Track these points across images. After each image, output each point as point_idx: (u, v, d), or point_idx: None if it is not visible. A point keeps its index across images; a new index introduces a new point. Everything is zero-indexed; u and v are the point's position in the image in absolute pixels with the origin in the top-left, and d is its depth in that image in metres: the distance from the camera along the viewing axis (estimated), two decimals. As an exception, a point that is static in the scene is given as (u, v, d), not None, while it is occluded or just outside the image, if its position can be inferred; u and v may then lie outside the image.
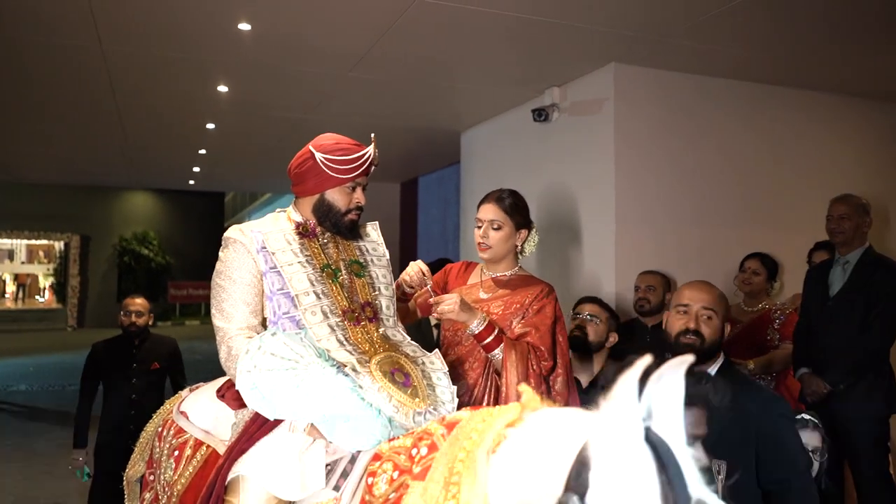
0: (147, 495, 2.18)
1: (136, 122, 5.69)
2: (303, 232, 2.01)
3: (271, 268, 1.93)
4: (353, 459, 1.78)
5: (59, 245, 17.15)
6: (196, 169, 8.40)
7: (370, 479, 1.41)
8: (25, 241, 22.55)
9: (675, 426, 0.80)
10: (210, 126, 5.78)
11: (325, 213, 2.02)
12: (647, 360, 0.82)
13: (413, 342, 2.00)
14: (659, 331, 3.73)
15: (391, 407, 1.71)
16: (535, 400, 1.12)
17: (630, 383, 0.78)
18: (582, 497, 0.82)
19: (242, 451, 1.83)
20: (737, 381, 2.10)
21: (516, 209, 2.32)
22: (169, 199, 16.60)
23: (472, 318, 2.17)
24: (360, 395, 1.73)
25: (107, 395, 3.67)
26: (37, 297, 24.50)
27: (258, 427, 1.85)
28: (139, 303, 3.70)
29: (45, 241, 18.55)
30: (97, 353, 3.73)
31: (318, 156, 1.99)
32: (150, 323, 3.74)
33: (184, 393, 2.31)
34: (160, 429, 2.22)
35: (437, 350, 1.98)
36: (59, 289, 16.71)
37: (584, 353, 2.89)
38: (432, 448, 1.25)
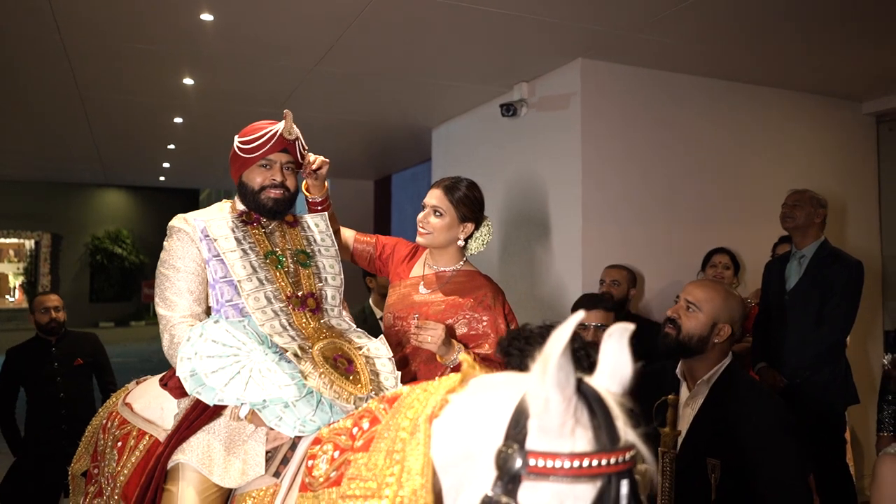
0: (91, 489, 2.16)
1: (102, 116, 5.60)
2: (246, 219, 2.00)
3: (214, 255, 1.92)
4: (293, 446, 1.78)
5: (29, 244, 16.84)
6: (166, 165, 8.29)
7: (310, 462, 1.40)
8: (8, 240, 22.13)
9: (612, 380, 0.89)
10: (178, 120, 5.70)
11: (245, 195, 2.02)
12: (578, 316, 0.87)
13: (359, 329, 2.00)
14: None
15: (332, 392, 1.70)
16: (474, 368, 1.14)
17: (561, 340, 0.82)
18: (521, 444, 0.87)
19: (182, 439, 1.82)
20: (738, 384, 2.12)
21: (464, 200, 2.28)
22: (142, 197, 16.39)
23: (449, 353, 2.15)
24: (300, 381, 1.71)
25: (31, 399, 3.62)
26: (7, 296, 24.03)
27: (198, 414, 1.84)
28: (54, 298, 3.67)
29: (14, 240, 18.21)
30: (13, 359, 3.66)
31: (235, 142, 2.01)
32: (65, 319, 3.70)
33: (130, 385, 2.29)
34: (105, 421, 2.20)
35: (382, 336, 1.97)
36: (30, 288, 16.41)
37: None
38: (374, 422, 1.25)
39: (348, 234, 2.50)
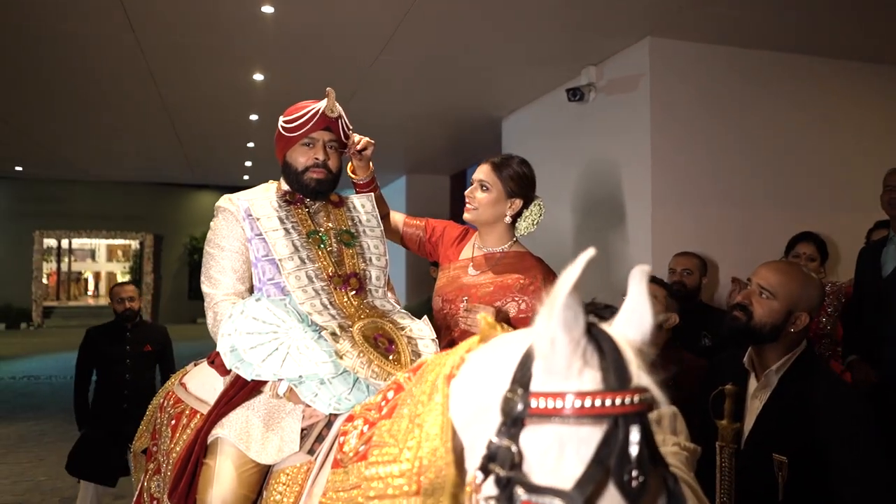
0: (150, 466, 2.22)
1: (183, 116, 5.85)
2: (290, 199, 1.99)
3: (256, 234, 1.91)
4: (329, 424, 1.75)
5: (134, 244, 17.97)
6: (248, 163, 8.59)
7: (341, 439, 1.37)
8: (105, 241, 23.87)
9: (630, 326, 0.83)
10: (253, 117, 5.88)
11: (289, 176, 2.01)
12: (589, 254, 0.79)
13: (403, 310, 1.96)
14: (693, 317, 3.55)
15: (370, 372, 1.67)
16: (494, 327, 1.10)
17: (570, 279, 0.77)
18: (526, 387, 0.82)
19: (222, 415, 1.83)
20: (812, 374, 1.95)
21: (513, 176, 2.19)
22: (234, 198, 17.08)
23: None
24: (335, 359, 1.69)
25: (100, 378, 3.86)
26: None
27: (237, 390, 1.85)
28: (129, 289, 3.94)
29: (121, 241, 19.54)
30: (92, 338, 3.93)
31: (279, 122, 2.00)
32: (140, 308, 3.95)
33: (189, 367, 2.34)
34: (162, 400, 2.26)
35: (425, 317, 1.92)
36: (136, 286, 17.49)
37: None
38: (398, 390, 1.23)
39: (398, 217, 2.46)
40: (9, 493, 3.83)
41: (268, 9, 3.51)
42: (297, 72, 4.65)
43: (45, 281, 19.52)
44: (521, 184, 2.20)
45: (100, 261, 28.20)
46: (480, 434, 0.94)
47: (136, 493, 2.24)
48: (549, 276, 2.22)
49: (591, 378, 0.78)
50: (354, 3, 3.50)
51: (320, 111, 1.96)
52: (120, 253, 26.91)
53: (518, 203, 2.21)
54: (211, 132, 6.46)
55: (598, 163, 4.42)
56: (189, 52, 4.28)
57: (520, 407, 0.81)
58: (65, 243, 23.22)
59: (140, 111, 5.77)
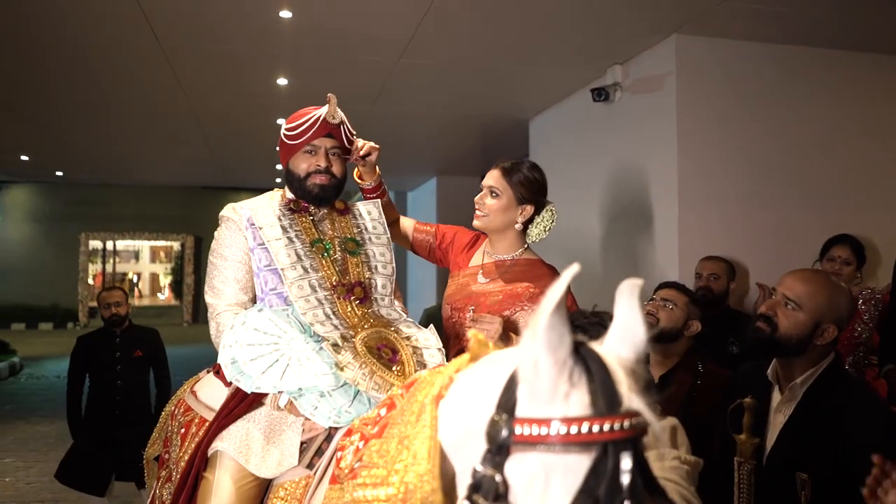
0: (163, 473, 2.22)
1: (212, 122, 5.94)
2: (294, 208, 1.97)
3: (259, 244, 1.90)
4: (329, 437, 1.73)
5: (176, 245, 18.37)
6: (278, 167, 8.68)
7: (339, 454, 1.36)
8: (148, 243, 24.48)
9: (623, 344, 0.78)
10: (280, 121, 5.91)
11: (293, 183, 1.99)
12: (573, 271, 0.77)
13: (409, 319, 1.92)
14: (720, 323, 3.43)
15: (372, 384, 1.64)
16: (483, 346, 1.07)
17: (553, 299, 0.73)
18: (511, 412, 0.79)
19: (222, 427, 1.82)
20: (840, 388, 1.86)
21: (523, 181, 2.13)
22: (269, 200, 17.37)
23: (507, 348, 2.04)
24: (336, 371, 1.66)
25: (93, 383, 3.86)
26: (158, 294, 26.53)
27: (237, 402, 1.83)
28: (116, 294, 3.91)
29: (164, 242, 20.03)
30: (82, 346, 3.93)
31: (282, 130, 1.99)
32: (128, 313, 3.93)
33: (202, 374, 2.34)
34: (173, 408, 2.26)
35: (432, 326, 1.88)
36: (177, 287, 17.89)
37: (656, 341, 2.51)
38: (390, 407, 1.20)
39: (408, 223, 2.42)
40: (47, 490, 3.91)
41: (286, 14, 3.51)
42: (319, 76, 4.66)
43: (90, 282, 20.13)
44: (531, 189, 2.14)
45: (143, 262, 28.89)
46: (469, 460, 0.90)
47: (149, 499, 2.24)
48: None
49: (579, 402, 0.74)
50: (369, 9, 3.49)
51: (321, 118, 1.94)
52: (163, 254, 27.57)
53: (529, 209, 2.16)
54: (239, 137, 6.54)
55: (624, 164, 4.32)
56: (213, 60, 4.33)
57: (504, 434, 0.78)
58: (109, 245, 23.90)
59: (170, 119, 5.87)
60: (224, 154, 7.52)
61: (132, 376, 3.82)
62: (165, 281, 25.55)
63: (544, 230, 2.22)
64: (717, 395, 2.15)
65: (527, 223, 2.19)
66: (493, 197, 2.13)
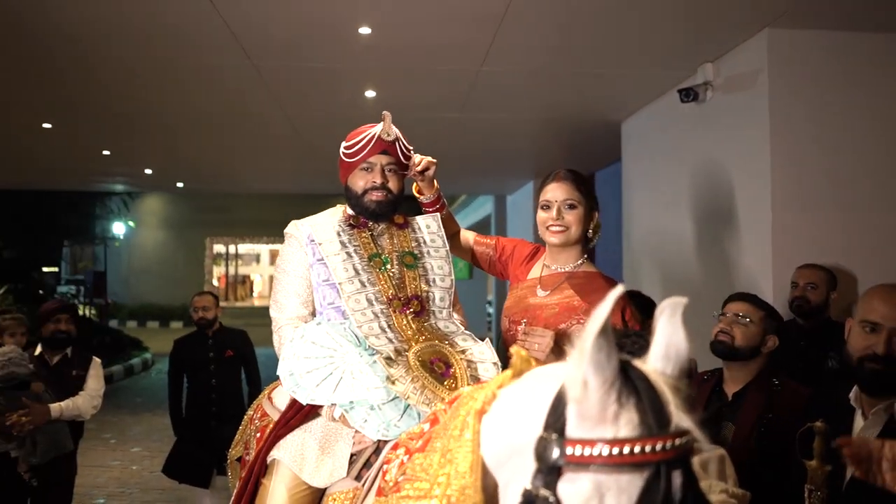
0: (244, 474, 2.36)
1: (309, 133, 6.20)
2: (353, 223, 2.03)
3: (318, 259, 1.98)
4: (378, 450, 1.77)
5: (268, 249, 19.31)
6: (377, 174, 8.92)
7: (385, 467, 1.40)
8: (267, 246, 25.94)
9: (666, 361, 0.81)
10: (371, 133, 6.11)
11: (351, 199, 2.06)
12: (618, 291, 0.79)
13: (467, 332, 1.94)
14: (818, 336, 3.19)
15: (423, 398, 1.67)
16: (526, 362, 1.11)
17: (600, 318, 0.76)
18: (560, 432, 0.81)
19: (279, 437, 1.90)
20: None
21: (590, 190, 2.13)
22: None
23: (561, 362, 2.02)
24: (388, 385, 1.70)
25: (191, 383, 4.13)
26: (253, 296, 28.21)
27: (294, 413, 1.91)
28: (205, 299, 4.16)
29: (257, 246, 21.20)
30: (178, 347, 4.21)
31: (341, 148, 2.06)
32: (216, 317, 4.17)
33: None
34: (252, 412, 2.40)
35: (487, 339, 1.89)
36: (269, 290, 18.84)
37: (732, 360, 2.34)
38: (434, 422, 1.25)
39: (468, 236, 2.43)
40: (167, 479, 4.20)
41: (365, 30, 3.63)
42: (404, 87, 4.76)
43: (215, 283, 21.59)
44: (594, 195, 2.14)
45: (263, 265, 30.61)
46: (514, 476, 0.93)
47: (232, 500, 2.38)
48: (621, 297, 2.10)
49: (628, 422, 0.76)
50: (444, 20, 3.53)
51: (377, 135, 2.01)
52: (256, 258, 29.29)
53: (596, 216, 2.14)
54: (336, 147, 6.76)
55: (714, 165, 4.12)
56: (304, 78, 4.55)
57: (555, 454, 0.80)
58: (232, 249, 25.54)
59: (272, 132, 6.21)
60: (327, 164, 7.83)
61: (225, 375, 4.07)
62: (260, 284, 27.16)
63: (598, 235, 2.19)
64: (794, 416, 2.01)
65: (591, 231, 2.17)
66: (570, 209, 2.08)
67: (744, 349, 2.31)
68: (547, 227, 2.10)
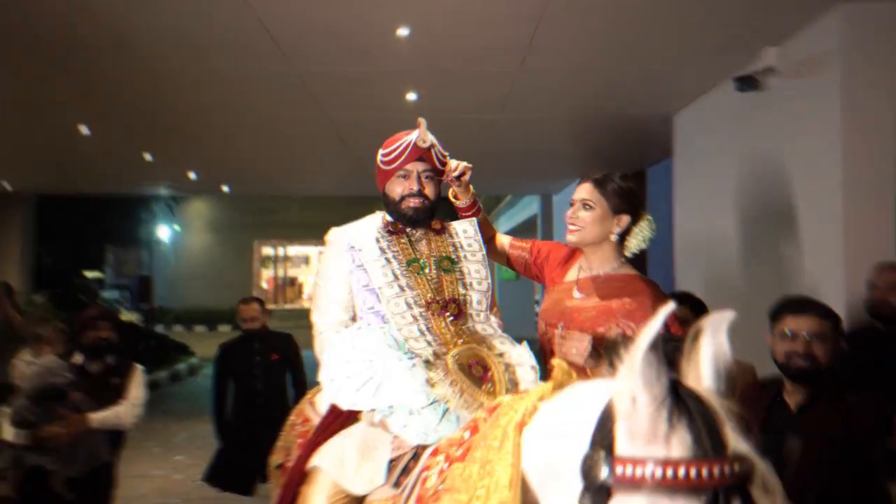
0: (284, 481, 2.33)
1: (353, 137, 6.19)
2: (392, 229, 2.07)
3: (358, 265, 2.03)
4: (416, 456, 1.76)
5: (316, 251, 19.48)
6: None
7: (425, 474, 1.41)
8: (316, 248, 26.23)
9: (716, 381, 0.78)
10: (413, 137, 6.07)
11: (389, 206, 2.09)
12: (668, 308, 0.76)
13: (505, 334, 1.97)
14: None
15: (462, 401, 1.70)
16: (567, 374, 1.11)
17: (649, 335, 0.74)
18: (609, 450, 0.79)
19: (319, 443, 1.92)
20: None
21: (617, 191, 2.06)
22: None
23: (599, 366, 1.93)
24: (427, 389, 1.73)
25: (237, 387, 4.11)
26: (302, 297, 28.50)
27: (333, 419, 1.93)
28: (251, 309, 4.17)
29: (304, 248, 21.36)
30: (224, 352, 4.20)
31: (378, 156, 2.09)
32: (267, 321, 4.17)
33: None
34: (294, 417, 2.38)
35: (525, 343, 1.91)
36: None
37: (817, 382, 2.09)
38: (474, 431, 1.25)
39: (504, 239, 2.44)
40: (210, 488, 4.19)
41: (403, 31, 3.59)
42: (446, 88, 4.70)
43: (264, 286, 21.93)
44: (626, 199, 2.08)
45: (312, 266, 30.95)
46: (557, 494, 0.90)
47: (273, 506, 2.34)
48: (661, 300, 1.96)
49: (681, 443, 0.74)
50: (482, 17, 3.47)
51: (412, 143, 2.03)
52: (304, 260, 29.52)
53: (625, 219, 2.08)
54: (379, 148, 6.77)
55: (775, 159, 3.91)
56: (345, 78, 4.53)
57: (604, 473, 0.77)
58: (280, 251, 25.87)
59: (315, 136, 6.26)
60: (369, 167, 7.84)
61: (271, 379, 4.06)
62: (308, 286, 27.36)
63: (644, 240, 2.13)
64: (874, 432, 1.83)
65: (623, 235, 2.10)
66: (586, 209, 2.08)
67: (829, 368, 2.11)
68: (567, 227, 2.14)
